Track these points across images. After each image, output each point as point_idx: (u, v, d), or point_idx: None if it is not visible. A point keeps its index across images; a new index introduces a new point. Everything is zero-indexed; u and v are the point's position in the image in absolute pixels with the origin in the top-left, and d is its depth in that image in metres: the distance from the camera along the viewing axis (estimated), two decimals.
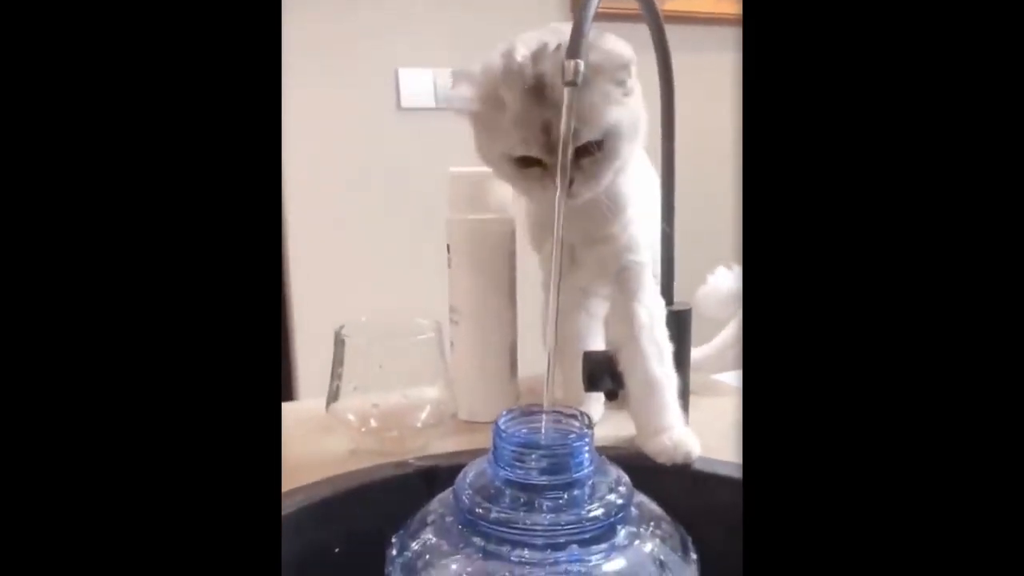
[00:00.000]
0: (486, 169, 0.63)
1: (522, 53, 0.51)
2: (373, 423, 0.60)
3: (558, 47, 0.50)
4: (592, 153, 0.52)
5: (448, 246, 0.66)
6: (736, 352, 0.74)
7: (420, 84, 1.97)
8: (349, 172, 1.93)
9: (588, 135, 0.51)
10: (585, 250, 0.59)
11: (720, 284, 0.74)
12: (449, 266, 0.66)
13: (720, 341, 0.75)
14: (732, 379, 0.76)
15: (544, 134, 0.50)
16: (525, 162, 0.52)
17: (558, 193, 0.47)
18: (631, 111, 0.53)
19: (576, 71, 0.46)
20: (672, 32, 0.59)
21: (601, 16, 0.49)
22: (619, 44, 0.51)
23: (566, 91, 0.46)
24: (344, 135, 1.91)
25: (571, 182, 0.51)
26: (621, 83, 0.51)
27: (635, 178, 0.59)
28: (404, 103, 1.96)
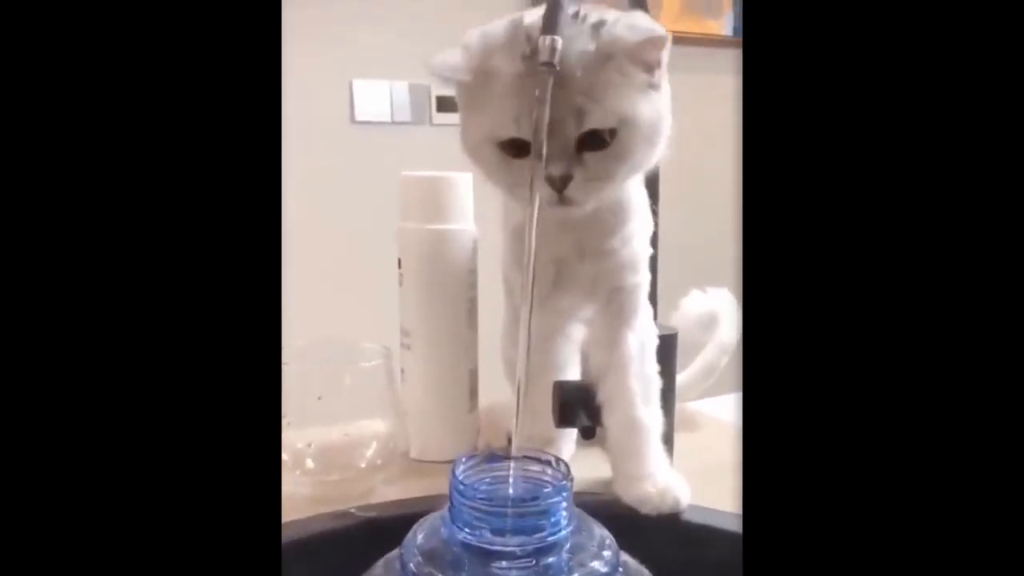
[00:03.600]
0: (442, 173, 0.60)
1: (531, 18, 0.44)
2: (309, 464, 0.55)
3: (576, 13, 0.43)
4: (600, 146, 0.44)
5: (399, 260, 0.61)
6: (714, 378, 0.72)
7: (375, 97, 1.96)
8: (299, 188, 1.89)
9: (598, 120, 0.43)
10: (577, 266, 0.53)
11: (694, 308, 0.71)
12: (400, 283, 0.62)
13: (700, 366, 0.72)
14: (709, 407, 0.74)
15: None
16: (513, 150, 0.45)
17: (531, 185, 0.40)
18: (655, 108, 0.46)
19: (552, 49, 0.39)
20: None
21: None
22: (650, 21, 0.45)
23: (540, 73, 0.40)
24: (294, 149, 1.87)
25: (567, 179, 0.45)
26: (649, 67, 0.45)
27: (639, 186, 0.53)
28: (358, 116, 1.95)
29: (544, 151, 0.40)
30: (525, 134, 0.43)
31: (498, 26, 0.46)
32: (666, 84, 0.46)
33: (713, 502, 0.51)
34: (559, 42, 0.40)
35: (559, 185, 0.44)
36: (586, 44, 0.43)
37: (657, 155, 0.48)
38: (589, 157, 0.44)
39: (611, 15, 0.44)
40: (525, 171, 0.43)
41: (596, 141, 0.44)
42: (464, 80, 0.46)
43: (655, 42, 0.44)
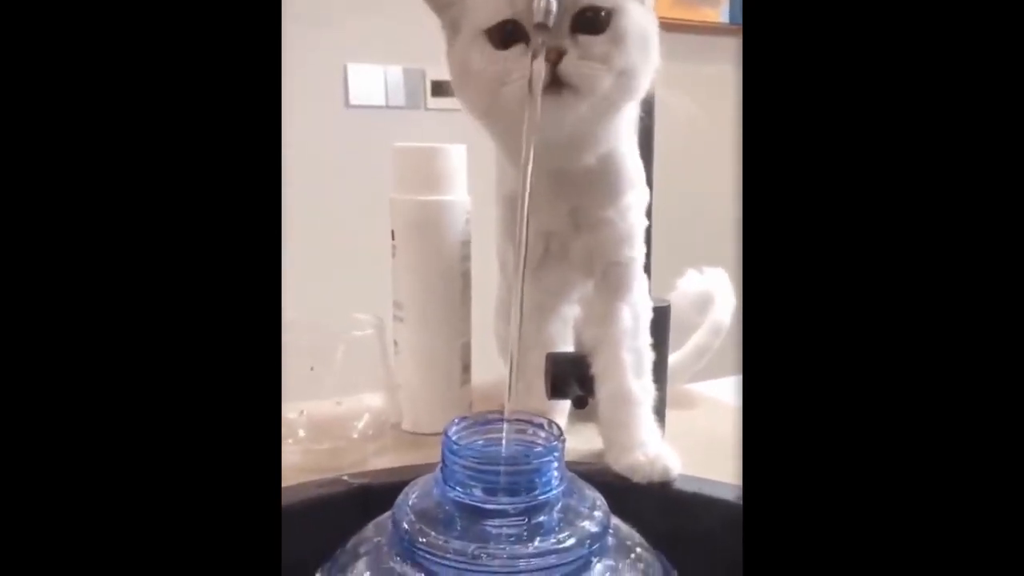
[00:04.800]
0: (435, 144, 0.59)
1: None
2: (301, 434, 0.55)
3: None
4: (594, 30, 0.43)
5: (392, 232, 0.60)
6: (708, 359, 0.71)
7: (370, 81, 1.93)
8: (294, 172, 1.87)
9: None
10: (572, 239, 0.52)
11: (690, 288, 0.70)
12: (393, 255, 0.61)
13: (692, 347, 0.71)
14: (706, 388, 0.74)
15: None
16: (503, 38, 0.44)
17: (532, 57, 0.39)
18: (644, 17, 0.45)
19: (547, 11, 0.39)
20: None
21: None
22: None
23: (534, 33, 0.40)
24: (289, 133, 1.84)
25: (561, 53, 0.42)
26: None
27: (636, 156, 0.53)
28: (353, 100, 1.92)
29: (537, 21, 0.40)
30: (519, 14, 0.43)
31: None
32: (653, 13, 0.46)
33: (708, 476, 0.51)
34: (554, 4, 0.39)
35: (553, 56, 0.42)
36: None
37: (647, 77, 0.47)
38: (583, 39, 0.43)
39: None
40: (515, 61, 0.43)
41: (591, 23, 0.43)
42: None
43: None
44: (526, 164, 0.39)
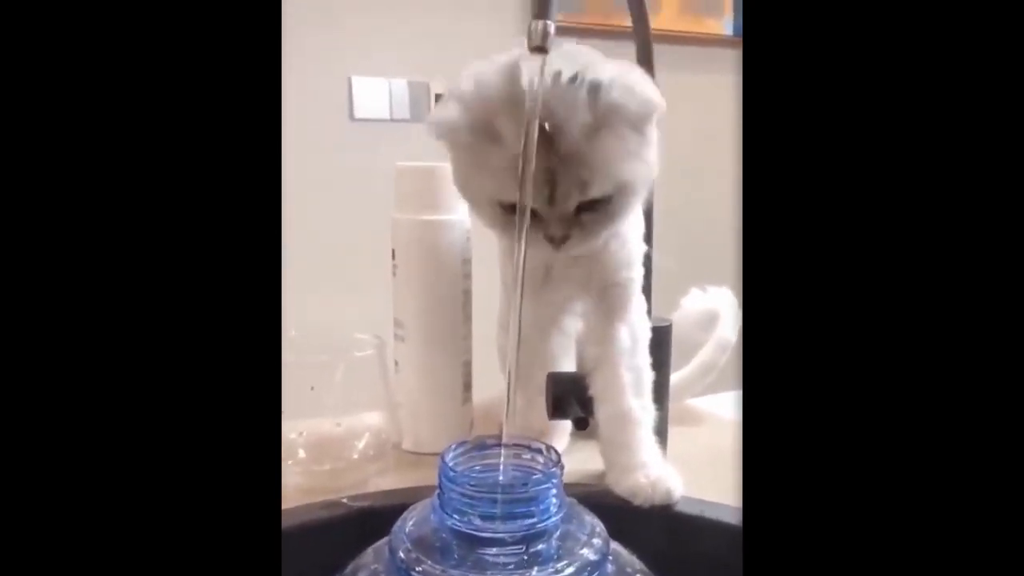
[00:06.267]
0: (436, 164, 0.59)
1: (528, 78, 0.43)
2: (301, 454, 0.55)
3: (574, 78, 0.43)
4: (597, 209, 0.46)
5: (393, 251, 0.60)
6: (713, 376, 0.71)
7: (374, 94, 1.93)
8: (298, 186, 1.86)
9: (597, 190, 0.45)
10: (571, 266, 0.53)
11: (694, 307, 0.70)
12: (394, 274, 0.61)
13: (697, 364, 0.71)
14: (707, 404, 0.73)
15: (547, 185, 0.44)
16: (516, 209, 0.45)
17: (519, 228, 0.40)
18: (647, 164, 0.47)
19: (544, 34, 0.39)
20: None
21: (584, 32, 0.43)
22: (647, 84, 0.46)
23: (532, 56, 0.39)
24: (293, 146, 1.84)
25: (566, 237, 0.46)
26: (641, 131, 0.46)
27: None
28: (357, 113, 1.92)
29: (545, 216, 0.44)
30: (532, 202, 0.44)
31: (493, 76, 0.45)
32: (655, 134, 0.47)
33: (711, 496, 0.51)
34: (551, 27, 0.39)
35: (558, 244, 0.46)
36: (585, 114, 0.43)
37: (647, 188, 0.49)
38: (587, 218, 0.46)
39: (606, 73, 0.44)
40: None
41: (594, 205, 0.46)
42: (465, 140, 0.46)
43: (647, 113, 0.45)
44: (524, 177, 0.39)
